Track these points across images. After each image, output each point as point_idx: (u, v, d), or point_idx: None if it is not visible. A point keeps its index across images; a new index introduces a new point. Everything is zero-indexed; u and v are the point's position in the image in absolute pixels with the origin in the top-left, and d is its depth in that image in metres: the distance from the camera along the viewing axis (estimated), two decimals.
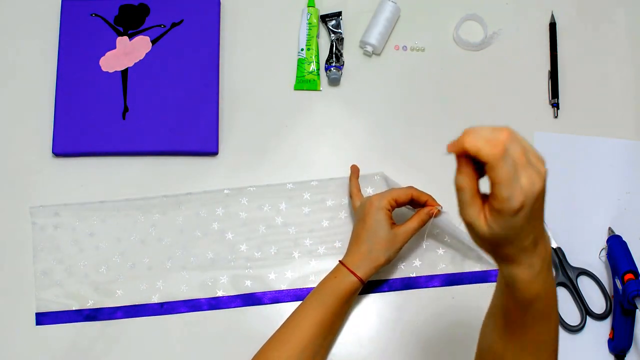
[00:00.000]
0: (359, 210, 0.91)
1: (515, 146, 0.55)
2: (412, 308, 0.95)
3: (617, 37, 1.07)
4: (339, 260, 0.90)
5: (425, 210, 0.90)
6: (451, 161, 0.68)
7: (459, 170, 0.59)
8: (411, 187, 0.91)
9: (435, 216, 0.90)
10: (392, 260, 0.90)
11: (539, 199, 0.57)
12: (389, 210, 0.89)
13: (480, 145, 0.55)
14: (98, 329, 0.94)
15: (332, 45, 1.04)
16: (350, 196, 0.96)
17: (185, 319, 0.95)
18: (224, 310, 0.95)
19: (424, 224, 0.90)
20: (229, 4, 1.08)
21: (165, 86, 1.01)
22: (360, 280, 0.87)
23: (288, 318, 0.88)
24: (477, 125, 0.55)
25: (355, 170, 0.98)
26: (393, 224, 0.89)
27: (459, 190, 0.59)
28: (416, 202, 0.91)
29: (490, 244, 0.60)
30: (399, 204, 0.90)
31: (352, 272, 0.87)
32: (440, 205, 0.91)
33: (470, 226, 0.60)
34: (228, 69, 1.05)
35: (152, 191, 0.99)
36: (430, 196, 0.91)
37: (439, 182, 0.99)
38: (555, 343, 0.70)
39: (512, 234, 0.58)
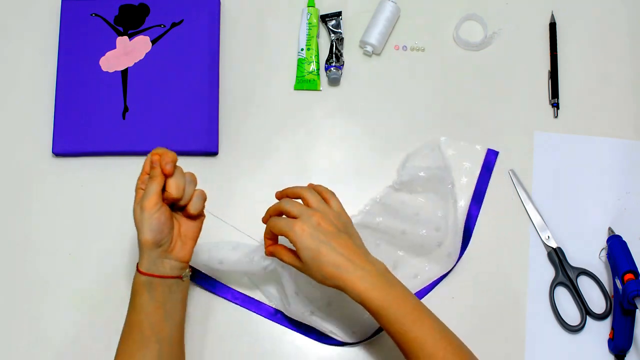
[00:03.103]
0: None
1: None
2: None
3: (617, 37, 1.07)
4: None
5: (148, 160, 0.79)
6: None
7: (275, 250, 0.84)
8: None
9: (158, 162, 0.78)
10: (154, 235, 0.77)
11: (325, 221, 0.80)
12: (142, 189, 0.79)
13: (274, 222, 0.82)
14: (98, 329, 0.94)
15: (332, 45, 1.04)
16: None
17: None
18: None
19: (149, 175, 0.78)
20: (229, 4, 1.08)
21: (166, 86, 1.01)
22: (139, 271, 0.80)
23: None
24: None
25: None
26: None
27: (286, 257, 0.82)
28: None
29: (321, 256, 0.77)
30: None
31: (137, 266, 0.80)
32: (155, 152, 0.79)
33: (300, 260, 0.79)
34: (228, 69, 1.05)
35: None
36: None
37: None
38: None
39: (324, 245, 0.78)
